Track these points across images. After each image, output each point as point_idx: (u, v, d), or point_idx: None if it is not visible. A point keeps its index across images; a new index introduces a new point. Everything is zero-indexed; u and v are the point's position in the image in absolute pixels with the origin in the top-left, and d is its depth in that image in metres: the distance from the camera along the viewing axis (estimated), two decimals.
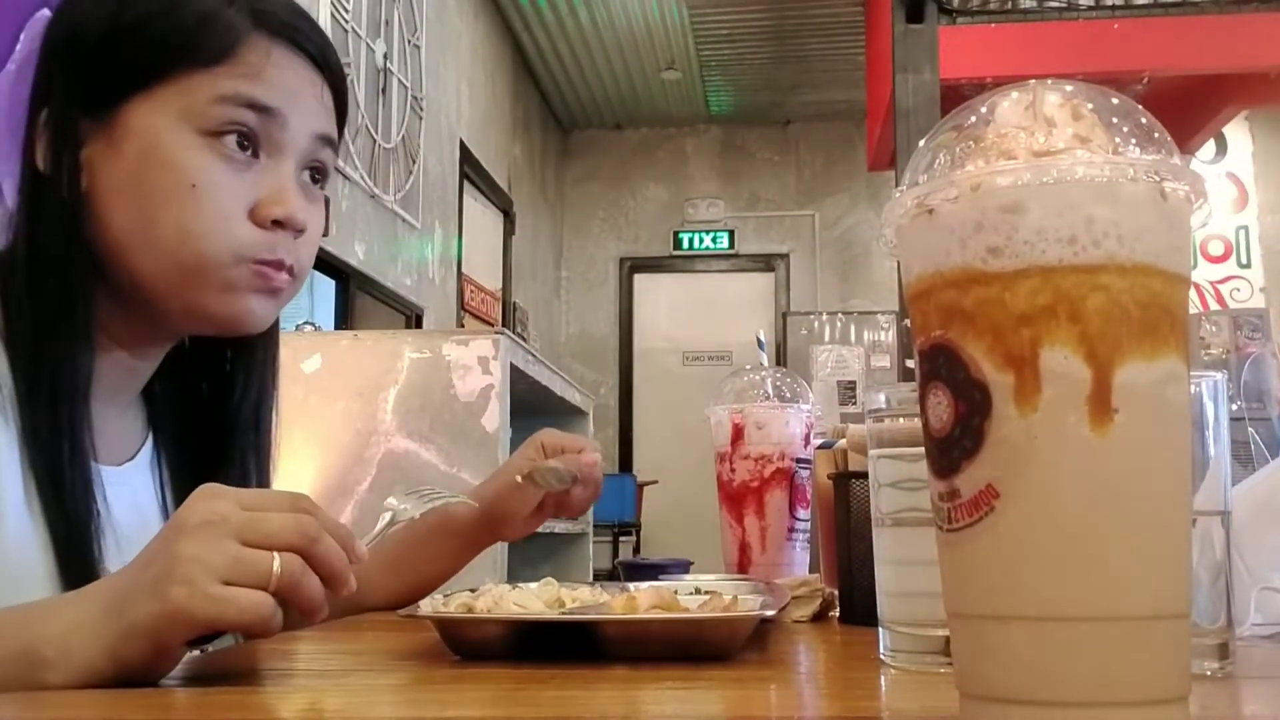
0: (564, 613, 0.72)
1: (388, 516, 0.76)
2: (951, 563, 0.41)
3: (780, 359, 6.74)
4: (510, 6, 6.35)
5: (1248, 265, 7.24)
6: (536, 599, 0.76)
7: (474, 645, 0.69)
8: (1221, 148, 7.16)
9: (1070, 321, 0.38)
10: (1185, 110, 5.06)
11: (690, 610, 0.72)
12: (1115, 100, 0.42)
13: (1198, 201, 0.39)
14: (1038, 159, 0.39)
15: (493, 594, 0.76)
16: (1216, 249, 7.22)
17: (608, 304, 7.92)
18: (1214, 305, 6.87)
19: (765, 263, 7.86)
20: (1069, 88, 0.42)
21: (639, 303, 7.93)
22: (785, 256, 7.85)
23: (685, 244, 7.91)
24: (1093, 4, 4.66)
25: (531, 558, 3.19)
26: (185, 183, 0.77)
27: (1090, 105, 0.41)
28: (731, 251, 7.89)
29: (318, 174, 0.85)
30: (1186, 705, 0.39)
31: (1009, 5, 4.72)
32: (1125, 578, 0.37)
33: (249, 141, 0.79)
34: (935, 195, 0.41)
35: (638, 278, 7.97)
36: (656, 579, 1.00)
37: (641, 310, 7.94)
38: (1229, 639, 0.59)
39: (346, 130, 4.11)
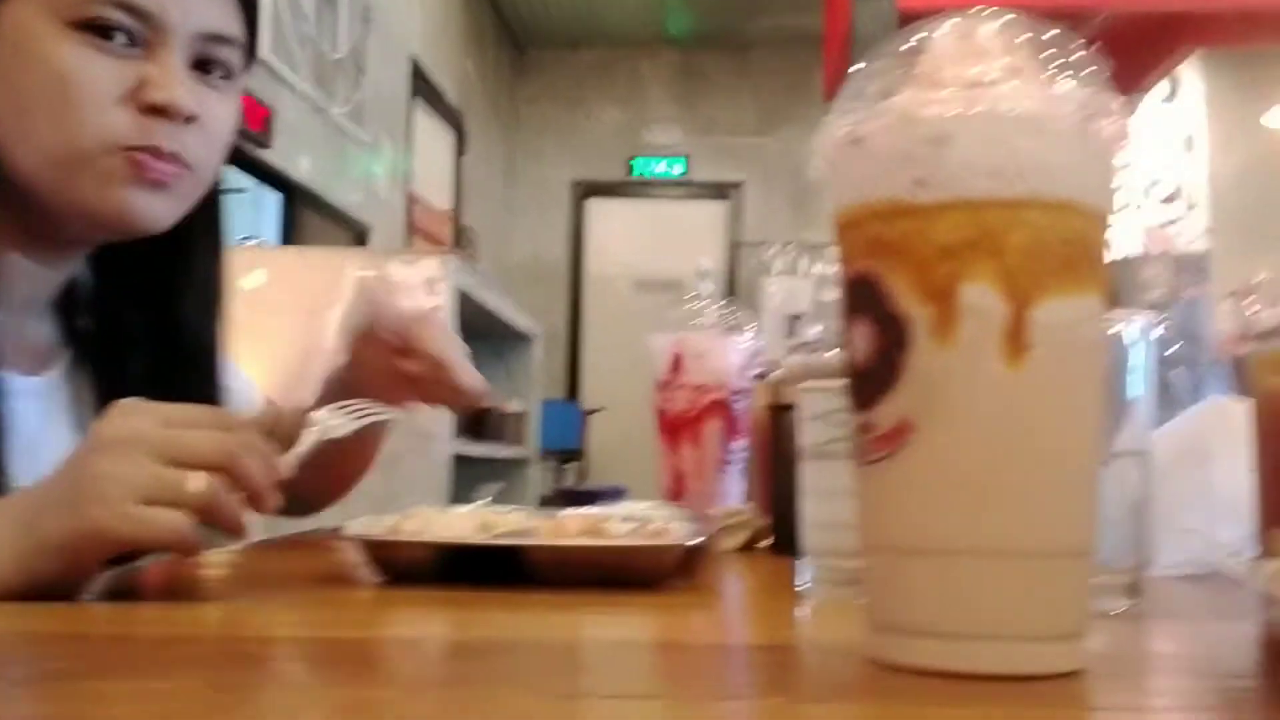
0: (491, 538, 0.72)
1: (316, 432, 0.75)
2: (866, 496, 0.41)
3: (731, 289, 6.74)
4: None
5: (1195, 207, 7.33)
6: (466, 522, 0.75)
7: (401, 567, 0.69)
8: (1174, 89, 7.20)
9: (991, 256, 0.37)
10: (1141, 49, 5.07)
11: (618, 537, 0.72)
12: (1053, 33, 0.41)
13: (1122, 139, 0.39)
14: (968, 90, 0.39)
15: (422, 516, 0.76)
16: (1164, 191, 7.30)
17: (560, 227, 7.84)
18: (1159, 248, 6.96)
19: (719, 190, 7.82)
20: (1007, 17, 0.41)
21: (591, 228, 7.86)
22: (739, 185, 7.81)
23: (640, 169, 7.83)
24: None
25: (478, 482, 3.20)
26: (55, 74, 0.73)
27: (1025, 36, 0.40)
28: (686, 179, 7.83)
29: (216, 68, 0.80)
30: (1083, 641, 0.40)
31: None
32: (1030, 513, 0.38)
33: (125, 34, 0.74)
34: (864, 125, 0.40)
35: (590, 202, 7.89)
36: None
37: (593, 235, 7.88)
38: (1139, 578, 0.60)
39: (293, 40, 3.91)
